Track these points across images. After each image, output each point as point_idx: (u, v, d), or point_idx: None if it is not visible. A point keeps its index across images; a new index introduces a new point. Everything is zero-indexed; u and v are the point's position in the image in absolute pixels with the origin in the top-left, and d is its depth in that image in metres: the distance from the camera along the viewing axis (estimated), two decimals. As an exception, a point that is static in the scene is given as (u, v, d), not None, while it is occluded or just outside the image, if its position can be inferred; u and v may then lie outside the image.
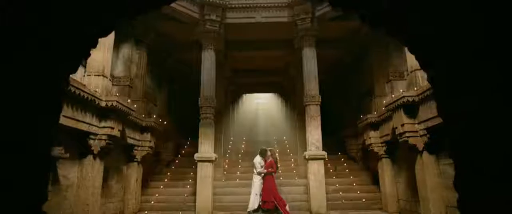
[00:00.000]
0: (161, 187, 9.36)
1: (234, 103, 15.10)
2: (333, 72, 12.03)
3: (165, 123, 9.37)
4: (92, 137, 6.02)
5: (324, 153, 8.28)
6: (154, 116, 8.94)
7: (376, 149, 8.29)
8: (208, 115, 8.58)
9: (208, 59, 9.07)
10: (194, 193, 8.34)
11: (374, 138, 8.29)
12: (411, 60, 6.50)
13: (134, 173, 8.25)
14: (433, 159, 6.02)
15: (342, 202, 8.51)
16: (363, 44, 9.63)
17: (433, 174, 5.95)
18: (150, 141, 8.42)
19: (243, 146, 12.54)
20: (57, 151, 5.02)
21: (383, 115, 7.61)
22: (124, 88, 8.31)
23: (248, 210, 8.02)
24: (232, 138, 12.76)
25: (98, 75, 6.46)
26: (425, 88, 5.69)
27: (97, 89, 6.11)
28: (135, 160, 8.23)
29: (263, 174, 8.18)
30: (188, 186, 9.20)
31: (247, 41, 10.51)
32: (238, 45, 10.69)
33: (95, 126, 6.03)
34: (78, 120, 5.45)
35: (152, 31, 9.32)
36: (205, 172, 8.22)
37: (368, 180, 9.61)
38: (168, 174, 10.03)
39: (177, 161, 10.96)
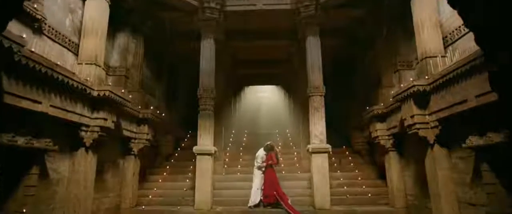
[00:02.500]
0: (160, 181, 9.10)
1: (235, 95, 14.77)
2: (338, 62, 11.66)
3: (163, 114, 9.06)
4: (83, 128, 5.71)
5: (328, 146, 7.96)
6: (152, 107, 8.62)
7: (382, 142, 7.92)
8: (208, 106, 8.28)
9: (207, 49, 8.73)
10: (193, 187, 8.06)
11: (380, 131, 7.91)
12: (422, 47, 6.12)
13: (131, 166, 7.96)
14: (445, 152, 5.64)
15: (346, 197, 8.19)
16: (369, 33, 9.25)
17: (445, 168, 5.58)
18: (147, 134, 8.10)
19: (244, 139, 12.23)
20: (44, 143, 4.71)
21: (391, 106, 7.24)
22: (120, 78, 7.98)
23: (249, 205, 7.76)
24: (233, 131, 12.46)
25: (90, 64, 6.14)
26: (438, 77, 5.31)
27: (88, 78, 5.78)
28: (132, 153, 7.93)
29: (264, 168, 7.94)
30: (187, 180, 8.92)
31: (248, 31, 10.14)
32: (239, 35, 10.30)
33: (86, 117, 5.71)
34: (67, 110, 5.12)
35: (149, 20, 8.98)
36: (204, 165, 7.95)
37: (373, 174, 9.27)
38: (167, 167, 9.74)
39: (176, 154, 10.68)
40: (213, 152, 8.14)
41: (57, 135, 5.12)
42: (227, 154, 10.67)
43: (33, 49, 4.36)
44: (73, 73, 5.30)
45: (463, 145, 4.88)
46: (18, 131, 4.30)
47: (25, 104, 4.21)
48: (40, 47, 5.10)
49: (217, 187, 8.57)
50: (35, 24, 5.15)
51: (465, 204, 5.32)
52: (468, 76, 4.66)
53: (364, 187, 8.58)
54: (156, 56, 10.11)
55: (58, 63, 4.82)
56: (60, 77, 4.74)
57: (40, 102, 4.48)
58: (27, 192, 4.60)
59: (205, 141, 8.09)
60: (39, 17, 5.15)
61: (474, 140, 4.64)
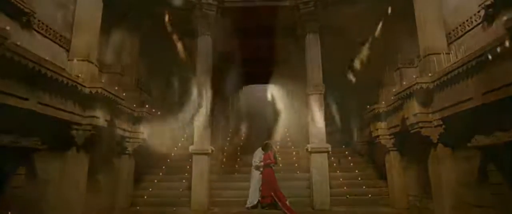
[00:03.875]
0: (155, 181, 8.89)
1: (233, 94, 14.55)
2: (338, 60, 11.44)
3: (159, 113, 8.85)
4: (75, 127, 5.51)
5: (328, 145, 7.81)
6: (147, 106, 8.41)
7: (383, 141, 7.75)
8: (205, 105, 8.08)
9: (204, 46, 8.56)
10: (190, 188, 7.88)
11: (381, 130, 7.75)
12: (425, 43, 5.95)
13: (125, 166, 7.78)
14: (449, 151, 5.47)
15: (346, 197, 8.01)
16: (369, 30, 9.05)
17: (449, 168, 5.41)
18: (142, 133, 7.91)
19: (242, 138, 12.03)
20: (32, 142, 4.51)
21: (392, 104, 7.07)
22: (115, 76, 7.73)
23: (246, 205, 7.58)
24: (230, 130, 12.27)
25: (82, 60, 5.93)
26: (442, 74, 5.13)
27: (80, 75, 5.57)
28: (127, 152, 7.75)
29: (261, 168, 7.77)
30: (183, 180, 8.72)
31: (247, 28, 9.92)
32: (237, 33, 10.04)
33: (78, 115, 5.51)
34: (57, 108, 4.92)
35: (145, 17, 8.75)
36: (200, 165, 7.77)
37: (374, 174, 9.09)
38: (163, 167, 9.54)
39: (172, 154, 10.46)
40: (210, 151, 7.96)
41: (46, 133, 4.92)
42: (224, 153, 10.48)
43: (19, 43, 4.15)
44: (63, 69, 5.10)
45: (469, 144, 4.72)
46: (3, 129, 4.10)
47: (11, 101, 4.01)
48: (29, 42, 4.89)
49: (214, 187, 8.39)
50: (24, 18, 4.94)
51: (470, 205, 5.15)
52: (474, 73, 4.49)
53: (364, 187, 8.41)
54: (152, 54, 9.89)
55: (47, 58, 4.61)
56: (49, 73, 4.53)
57: (27, 99, 4.28)
58: (14, 194, 4.40)
59: (201, 140, 7.91)
60: (28, 10, 4.94)
61: (480, 139, 4.48)
